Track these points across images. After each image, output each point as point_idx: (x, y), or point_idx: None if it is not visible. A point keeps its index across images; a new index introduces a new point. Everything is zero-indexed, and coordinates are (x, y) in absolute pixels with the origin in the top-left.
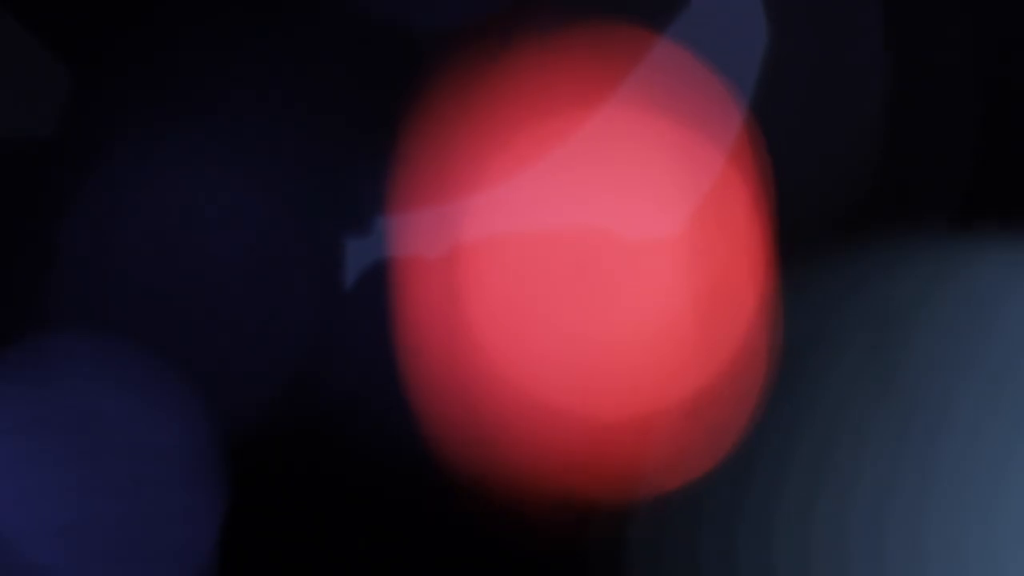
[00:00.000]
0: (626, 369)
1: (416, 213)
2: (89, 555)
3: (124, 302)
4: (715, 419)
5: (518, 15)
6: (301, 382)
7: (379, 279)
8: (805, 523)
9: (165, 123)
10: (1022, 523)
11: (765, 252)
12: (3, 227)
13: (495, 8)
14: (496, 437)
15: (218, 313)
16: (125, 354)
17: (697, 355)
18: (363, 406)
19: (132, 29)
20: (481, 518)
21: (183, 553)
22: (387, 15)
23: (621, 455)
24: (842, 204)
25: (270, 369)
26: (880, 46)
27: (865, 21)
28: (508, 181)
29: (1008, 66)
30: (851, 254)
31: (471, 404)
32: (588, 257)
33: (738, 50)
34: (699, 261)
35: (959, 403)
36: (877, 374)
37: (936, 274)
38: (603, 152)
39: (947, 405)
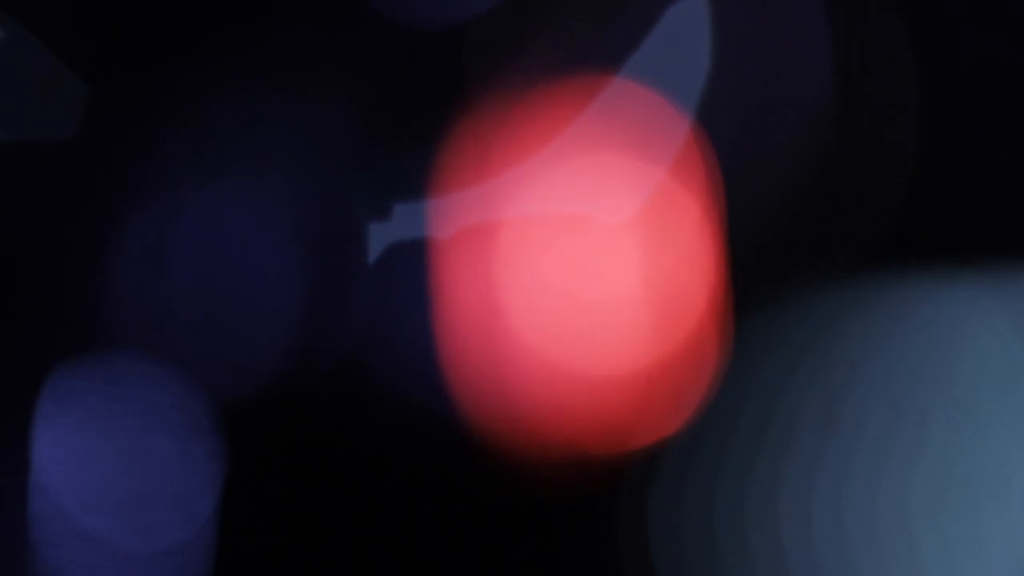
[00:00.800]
0: (611, 335)
1: (425, 202)
2: (131, 525)
3: (147, 292)
4: (680, 382)
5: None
6: (314, 355)
7: (397, 260)
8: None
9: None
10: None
11: (717, 245)
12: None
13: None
14: (510, 394)
15: (233, 295)
16: (156, 354)
17: (660, 326)
18: (383, 377)
19: (162, 31)
20: (495, 470)
21: (200, 523)
22: (393, 11)
23: (612, 410)
24: (789, 217)
25: (283, 347)
26: (829, 75)
27: (814, 44)
28: (506, 176)
29: (959, 90)
30: (799, 271)
31: (488, 367)
32: (570, 241)
33: (688, 74)
34: (658, 249)
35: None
36: (824, 376)
37: (879, 290)
38: (580, 158)
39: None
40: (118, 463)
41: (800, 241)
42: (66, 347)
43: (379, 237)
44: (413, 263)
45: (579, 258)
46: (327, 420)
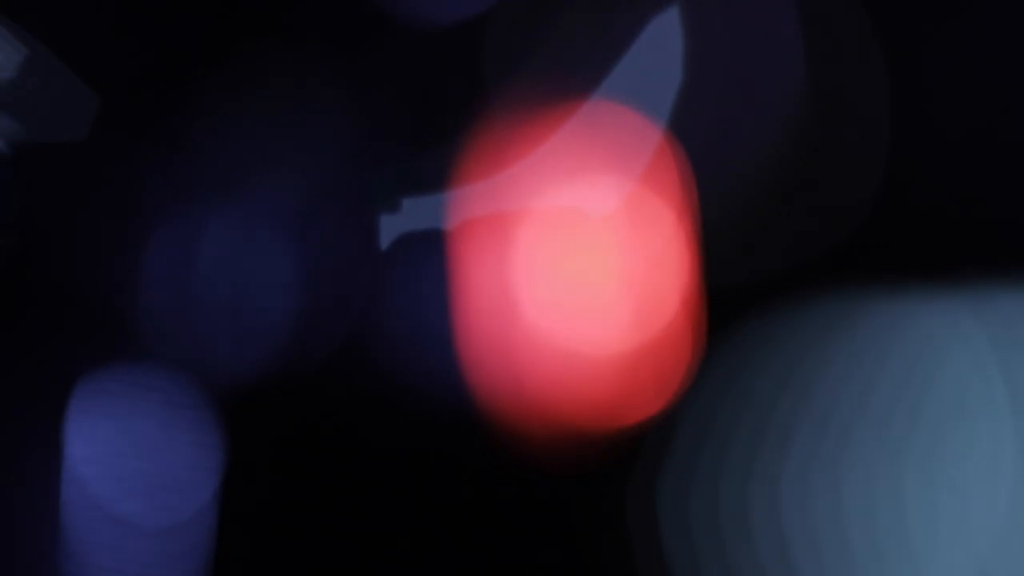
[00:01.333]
0: (597, 321)
1: (432, 196)
2: (146, 505)
3: (156, 288)
4: (662, 365)
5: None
6: (319, 345)
7: (402, 251)
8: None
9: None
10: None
11: (693, 241)
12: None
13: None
14: (511, 375)
15: (244, 287)
16: (166, 346)
17: (640, 315)
18: (387, 363)
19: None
20: (498, 450)
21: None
22: (400, 12)
23: (602, 389)
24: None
25: (288, 337)
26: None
27: (788, 48)
28: (508, 171)
29: (942, 95)
30: (776, 273)
31: (491, 351)
32: (565, 233)
33: (664, 79)
34: (638, 244)
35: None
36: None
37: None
38: (573, 157)
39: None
40: (135, 453)
41: (775, 241)
42: (72, 343)
43: (386, 229)
44: (418, 254)
45: (571, 250)
46: (332, 406)
